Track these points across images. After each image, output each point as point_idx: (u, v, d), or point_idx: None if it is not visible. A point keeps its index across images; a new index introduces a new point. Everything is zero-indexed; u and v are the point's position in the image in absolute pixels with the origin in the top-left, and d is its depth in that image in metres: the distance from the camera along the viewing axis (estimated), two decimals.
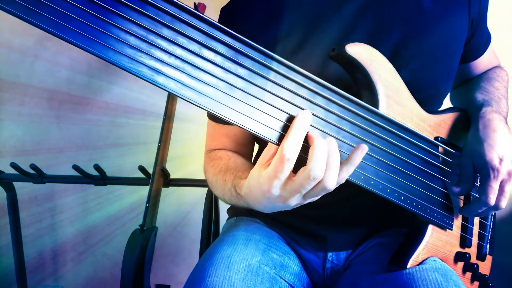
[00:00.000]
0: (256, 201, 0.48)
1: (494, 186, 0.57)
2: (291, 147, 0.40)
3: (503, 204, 0.59)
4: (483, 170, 0.58)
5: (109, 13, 0.34)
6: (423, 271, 0.55)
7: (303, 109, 0.44)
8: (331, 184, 0.43)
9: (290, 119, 0.43)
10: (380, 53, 0.55)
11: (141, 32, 0.35)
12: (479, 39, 0.71)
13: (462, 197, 0.64)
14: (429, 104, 0.63)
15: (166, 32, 0.36)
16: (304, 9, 0.63)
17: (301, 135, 0.41)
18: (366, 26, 0.61)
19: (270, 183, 0.43)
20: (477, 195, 0.60)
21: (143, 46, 0.35)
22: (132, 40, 0.34)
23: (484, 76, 0.76)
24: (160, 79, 0.36)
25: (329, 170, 0.43)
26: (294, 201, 0.45)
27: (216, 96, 0.39)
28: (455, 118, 0.66)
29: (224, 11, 0.68)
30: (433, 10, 0.62)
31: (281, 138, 0.43)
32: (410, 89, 0.59)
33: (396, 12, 0.62)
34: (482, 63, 0.76)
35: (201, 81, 0.38)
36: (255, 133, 0.41)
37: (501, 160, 0.57)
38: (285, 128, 0.43)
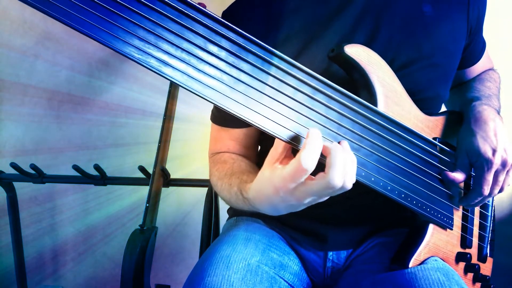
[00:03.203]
0: (265, 202, 0.48)
1: (488, 178, 0.59)
2: (309, 159, 0.40)
3: (496, 191, 0.61)
4: (477, 162, 0.59)
5: (119, 5, 0.35)
6: (425, 271, 0.55)
7: (305, 105, 0.45)
8: (350, 186, 0.44)
9: (292, 114, 0.44)
10: (378, 55, 0.55)
11: (149, 25, 0.36)
12: (475, 47, 0.73)
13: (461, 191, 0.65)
14: (429, 107, 0.64)
15: (172, 26, 0.37)
16: (303, 14, 0.63)
17: (319, 147, 0.41)
18: (366, 30, 0.62)
19: (284, 183, 0.42)
20: (472, 185, 0.62)
21: (151, 38, 0.36)
22: (141, 32, 0.36)
23: (476, 78, 0.78)
24: (168, 71, 0.37)
25: (347, 175, 0.43)
26: (308, 200, 0.45)
27: (220, 89, 0.40)
28: (451, 119, 0.67)
29: (224, 16, 0.68)
30: (433, 15, 0.63)
31: (283, 132, 0.43)
32: (410, 92, 0.60)
33: (396, 16, 0.62)
34: (476, 69, 0.78)
35: (207, 74, 0.39)
36: (258, 126, 0.42)
37: (494, 151, 0.58)
38: (287, 122, 0.44)
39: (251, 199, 0.51)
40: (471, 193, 0.61)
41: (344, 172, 0.42)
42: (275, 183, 0.44)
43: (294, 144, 0.44)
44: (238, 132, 0.71)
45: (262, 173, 0.47)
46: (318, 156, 0.41)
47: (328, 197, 0.46)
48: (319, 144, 0.41)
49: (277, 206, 0.47)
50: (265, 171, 0.46)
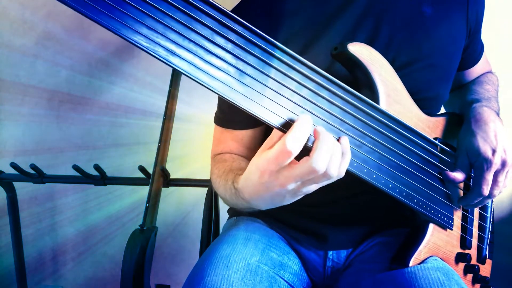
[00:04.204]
0: (252, 190, 0.48)
1: (488, 177, 0.59)
2: (295, 142, 0.40)
3: (496, 192, 0.61)
4: (477, 162, 0.59)
5: None
6: (425, 270, 0.55)
7: (309, 100, 0.45)
8: (334, 174, 0.43)
9: (296, 108, 0.44)
10: (380, 54, 0.56)
11: (158, 14, 0.37)
12: (474, 49, 0.74)
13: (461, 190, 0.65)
14: (429, 107, 0.64)
15: (181, 16, 0.38)
16: (305, 13, 0.63)
17: (306, 131, 0.41)
18: (367, 30, 0.62)
19: (268, 165, 0.43)
20: (471, 185, 0.62)
21: (159, 27, 0.37)
22: (149, 21, 0.36)
23: (475, 80, 0.78)
24: (175, 60, 0.38)
25: (332, 162, 0.43)
26: (292, 185, 0.44)
27: (226, 80, 0.40)
28: (452, 121, 0.67)
29: None
30: (433, 16, 0.64)
31: (286, 125, 0.43)
32: (410, 91, 0.60)
33: (397, 16, 0.63)
34: (475, 71, 0.79)
35: (213, 65, 0.40)
36: (262, 119, 0.42)
37: (494, 151, 0.58)
38: (291, 117, 0.44)
39: (240, 189, 0.52)
40: (470, 193, 0.61)
41: (328, 158, 0.42)
42: (259, 167, 0.44)
43: None
44: (241, 134, 0.71)
45: (251, 161, 0.47)
46: (304, 140, 0.41)
47: (315, 187, 0.45)
48: (307, 129, 0.41)
49: (263, 195, 0.47)
50: (255, 158, 0.47)
